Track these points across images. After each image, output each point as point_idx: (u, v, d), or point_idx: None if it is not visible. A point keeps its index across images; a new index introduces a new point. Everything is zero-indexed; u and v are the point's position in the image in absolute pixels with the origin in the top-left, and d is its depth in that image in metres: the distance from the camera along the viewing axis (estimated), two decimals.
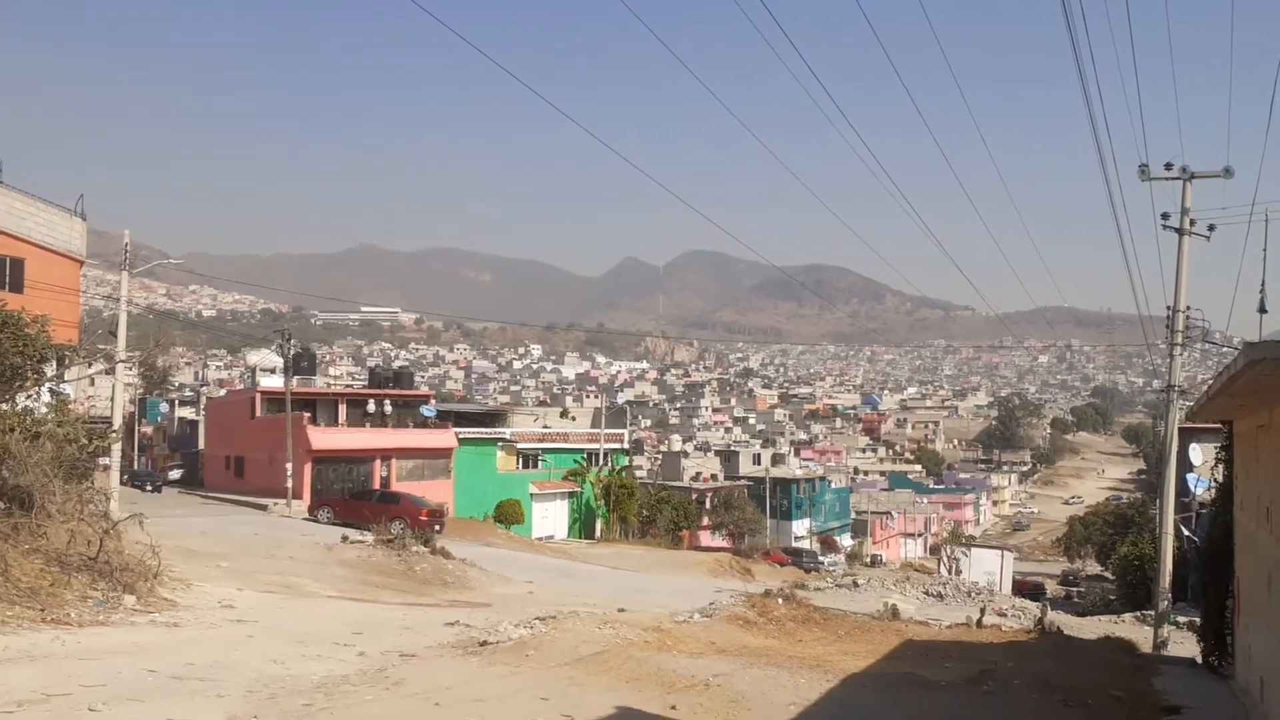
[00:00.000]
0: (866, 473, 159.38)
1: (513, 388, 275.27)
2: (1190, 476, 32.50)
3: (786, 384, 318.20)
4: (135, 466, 65.92)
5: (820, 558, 68.22)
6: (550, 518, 60.22)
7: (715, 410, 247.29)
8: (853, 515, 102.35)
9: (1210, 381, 11.64)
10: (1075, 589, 69.21)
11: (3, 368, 16.79)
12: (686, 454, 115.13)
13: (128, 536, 17.33)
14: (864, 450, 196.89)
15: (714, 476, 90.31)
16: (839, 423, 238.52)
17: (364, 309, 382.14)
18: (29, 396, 17.95)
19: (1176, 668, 19.30)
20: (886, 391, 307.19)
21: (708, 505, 77.94)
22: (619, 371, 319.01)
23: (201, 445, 67.84)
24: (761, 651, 16.99)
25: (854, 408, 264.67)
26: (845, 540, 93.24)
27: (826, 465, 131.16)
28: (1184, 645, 24.00)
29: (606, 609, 20.50)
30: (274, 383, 56.06)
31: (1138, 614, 34.40)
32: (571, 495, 62.09)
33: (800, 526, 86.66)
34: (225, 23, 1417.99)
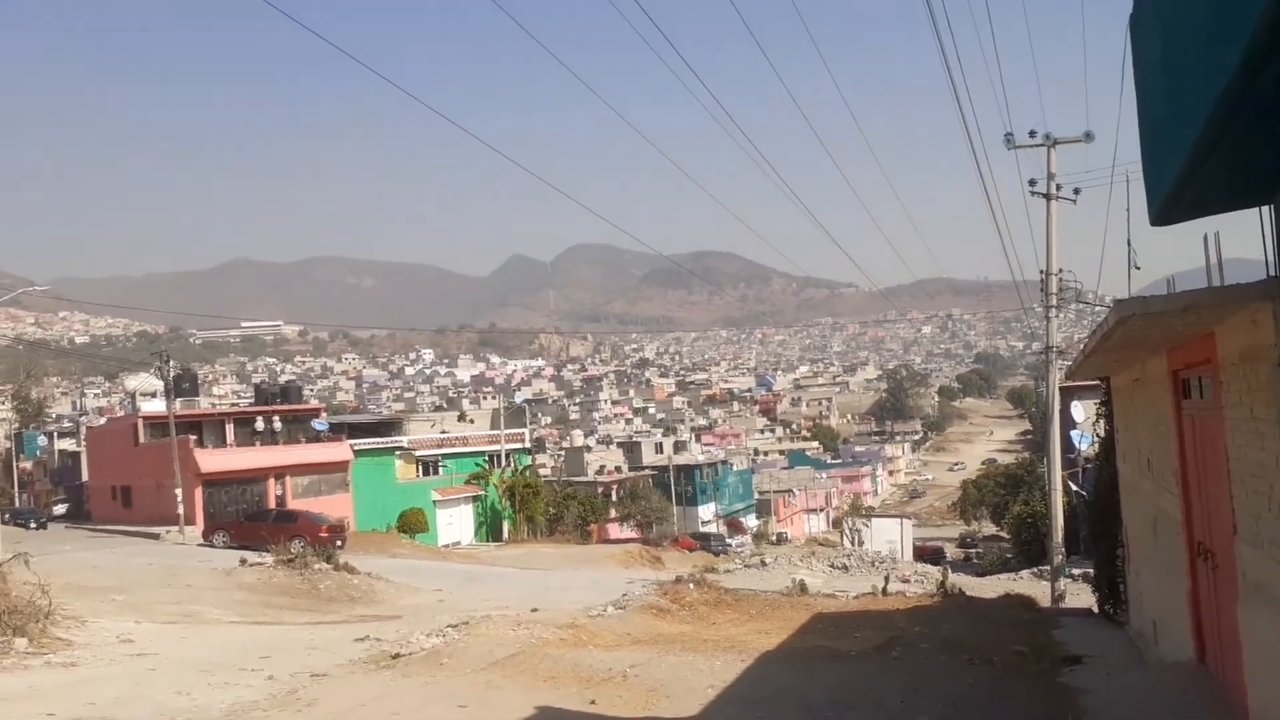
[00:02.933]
0: (766, 453, 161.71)
1: (406, 394, 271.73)
2: (1074, 433, 33.67)
3: (682, 371, 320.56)
4: (16, 504, 63.19)
5: (728, 540, 69.05)
6: (456, 524, 59.63)
7: (614, 403, 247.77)
8: (756, 496, 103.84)
9: (1086, 340, 12.09)
10: (974, 551, 71.29)
11: None
12: (589, 448, 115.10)
13: (14, 577, 16.64)
14: (762, 431, 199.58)
15: (618, 469, 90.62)
16: (736, 406, 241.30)
17: (244, 324, 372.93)
18: None
19: (1075, 619, 20.01)
20: (779, 372, 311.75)
21: (614, 498, 78.23)
22: (515, 370, 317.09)
23: (85, 477, 65.37)
24: (677, 638, 17.09)
25: (749, 390, 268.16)
26: (750, 521, 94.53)
27: (727, 449, 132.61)
28: (1080, 597, 24.93)
29: (519, 610, 20.39)
30: (156, 407, 54.32)
31: (1035, 570, 35.55)
32: (476, 499, 61.57)
33: (706, 511, 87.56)
34: (73, 34, 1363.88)
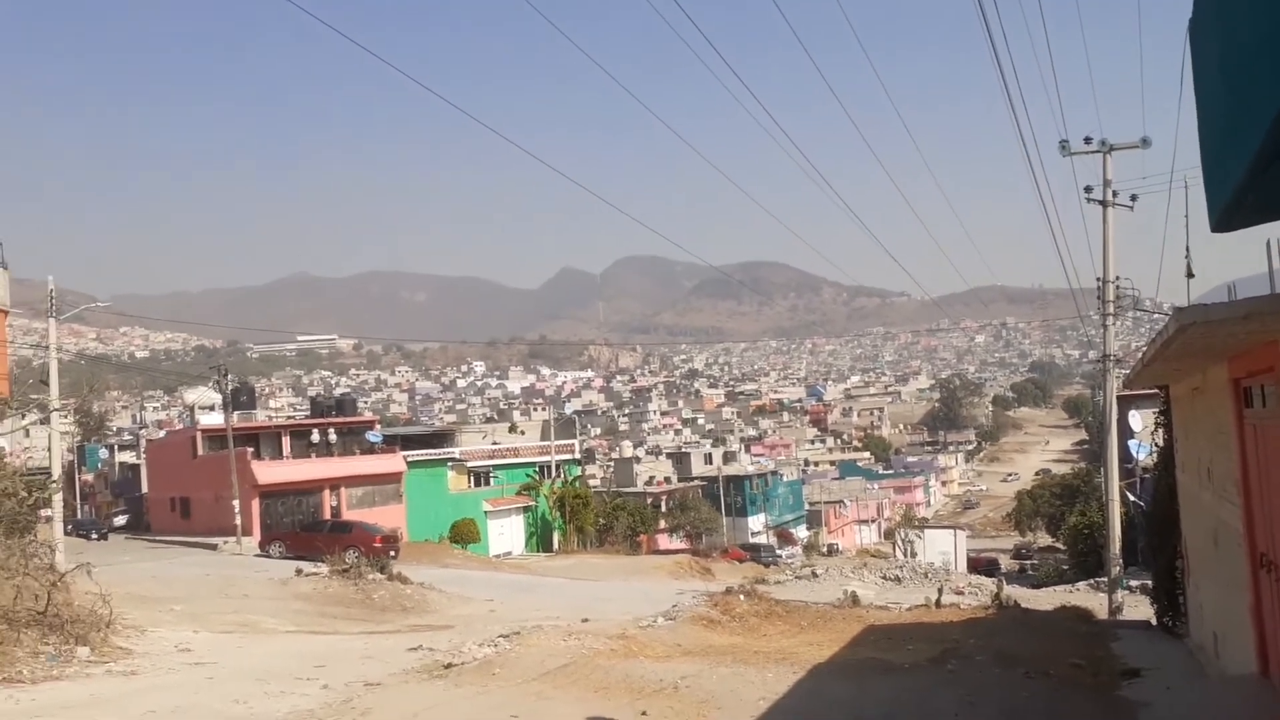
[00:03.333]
0: (817, 464, 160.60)
1: (458, 406, 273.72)
2: (1132, 443, 33.13)
3: (732, 382, 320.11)
4: (79, 515, 64.47)
5: (778, 551, 68.65)
6: (506, 534, 59.90)
7: (663, 413, 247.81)
8: (806, 507, 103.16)
9: (1144, 349, 11.91)
10: (1029, 562, 70.20)
11: None
12: (638, 459, 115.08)
13: (76, 587, 16.95)
14: (812, 442, 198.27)
15: (667, 479, 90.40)
16: (786, 416, 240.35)
17: (300, 338, 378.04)
18: None
19: (1133, 631, 19.66)
20: (830, 382, 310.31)
21: (663, 508, 78.04)
22: (564, 382, 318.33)
23: (145, 489, 66.49)
24: (727, 650, 17.04)
25: (799, 400, 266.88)
26: (801, 532, 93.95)
27: (777, 459, 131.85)
28: (1138, 609, 24.48)
29: (570, 620, 20.44)
30: (214, 420, 55.15)
31: (1091, 582, 34.97)
32: (526, 510, 61.80)
33: (756, 522, 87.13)
34: (136, 57, 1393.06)
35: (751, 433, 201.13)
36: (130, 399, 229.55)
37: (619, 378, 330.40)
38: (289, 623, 22.66)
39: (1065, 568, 52.04)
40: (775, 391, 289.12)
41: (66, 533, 37.31)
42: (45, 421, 36.06)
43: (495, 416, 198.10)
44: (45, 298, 37.56)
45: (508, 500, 61.02)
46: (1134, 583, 27.66)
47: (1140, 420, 31.48)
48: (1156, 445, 19.70)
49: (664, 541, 70.67)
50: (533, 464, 64.35)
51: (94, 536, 51.84)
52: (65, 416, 44.40)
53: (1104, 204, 25.15)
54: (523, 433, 76.59)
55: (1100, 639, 18.07)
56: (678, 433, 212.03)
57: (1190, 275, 14.54)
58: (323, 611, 24.80)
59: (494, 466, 63.42)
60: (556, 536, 59.97)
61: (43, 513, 28.22)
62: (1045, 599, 30.57)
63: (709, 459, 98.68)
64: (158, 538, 52.17)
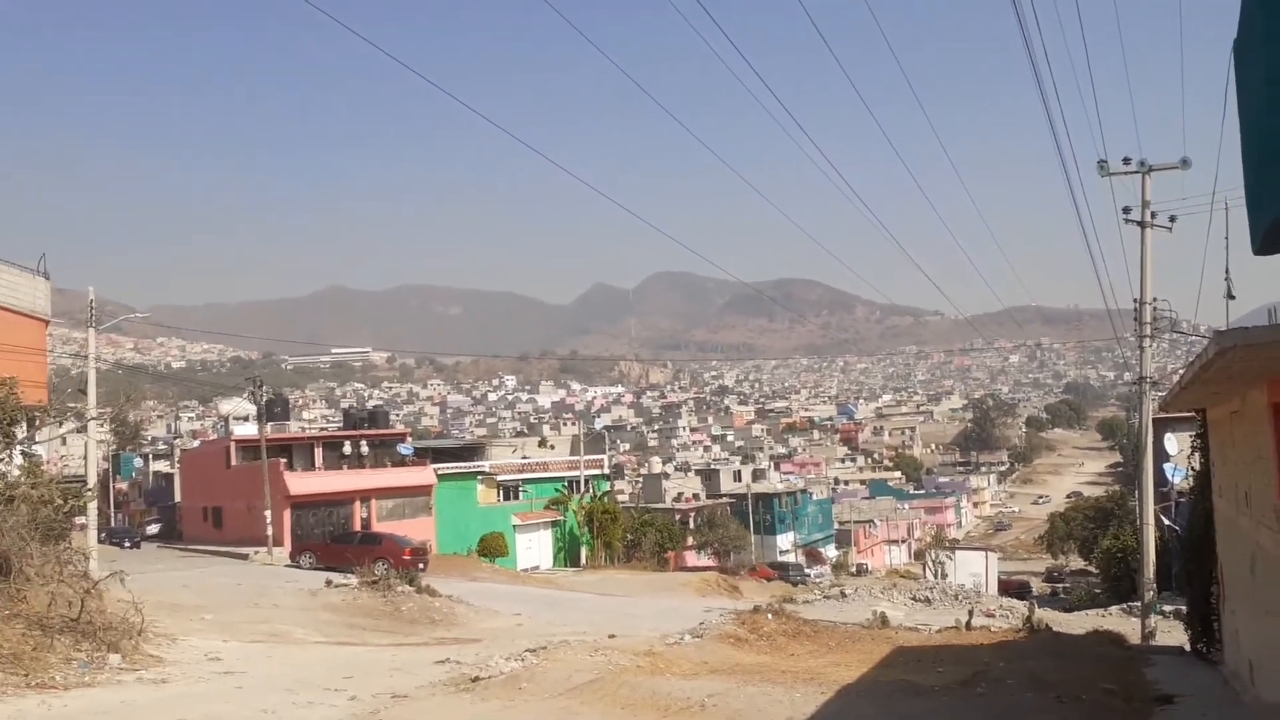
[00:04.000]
0: (847, 482, 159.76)
1: (489, 420, 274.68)
2: (1167, 466, 32.73)
3: (762, 399, 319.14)
4: (112, 523, 65.14)
5: (806, 570, 68.26)
6: (535, 548, 59.96)
7: (693, 430, 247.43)
8: (836, 526, 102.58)
9: (1181, 371, 11.79)
10: (1061, 585, 69.50)
11: None
12: (667, 475, 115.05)
13: (109, 595, 17.12)
14: (843, 460, 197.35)
15: (696, 496, 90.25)
16: (816, 435, 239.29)
17: (334, 351, 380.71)
18: (1, 460, 17.74)
19: (1166, 657, 19.41)
20: (861, 401, 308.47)
21: (691, 525, 77.88)
22: (594, 397, 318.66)
23: (178, 498, 67.15)
24: (754, 668, 16.96)
25: (830, 419, 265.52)
26: (830, 551, 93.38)
27: (807, 478, 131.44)
28: (1172, 634, 24.15)
29: (597, 636, 20.42)
30: (248, 430, 55.66)
31: (1124, 606, 34.59)
32: (555, 524, 61.86)
33: (785, 540, 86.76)
34: (169, 71, 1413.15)
35: (781, 450, 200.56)
36: (166, 409, 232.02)
37: (649, 393, 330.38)
38: (318, 633, 22.78)
39: (1098, 591, 51.51)
40: (806, 409, 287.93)
41: (100, 541, 37.73)
42: (82, 430, 36.51)
43: (525, 431, 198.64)
44: (85, 308, 38.13)
45: (536, 515, 61.11)
46: (1168, 608, 27.31)
47: (1176, 443, 31.10)
48: (1193, 469, 19.48)
49: (691, 558, 70.49)
50: (562, 479, 64.43)
51: (127, 545, 52.40)
52: (102, 425, 44.94)
53: (1142, 225, 24.94)
54: (552, 447, 76.70)
55: (1133, 664, 17.85)
56: (707, 449, 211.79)
57: (1230, 297, 14.40)
58: (351, 623, 24.91)
59: (523, 481, 63.56)
60: (584, 551, 59.98)
61: (77, 520, 28.58)
62: (1077, 623, 30.24)
63: (738, 476, 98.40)
64: (190, 547, 52.62)
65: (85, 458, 37.00)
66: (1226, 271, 15.01)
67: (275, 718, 12.19)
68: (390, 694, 13.87)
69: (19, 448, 18.84)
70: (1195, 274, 24.89)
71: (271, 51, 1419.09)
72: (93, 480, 34.34)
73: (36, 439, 22.45)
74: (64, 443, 57.30)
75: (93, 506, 32.24)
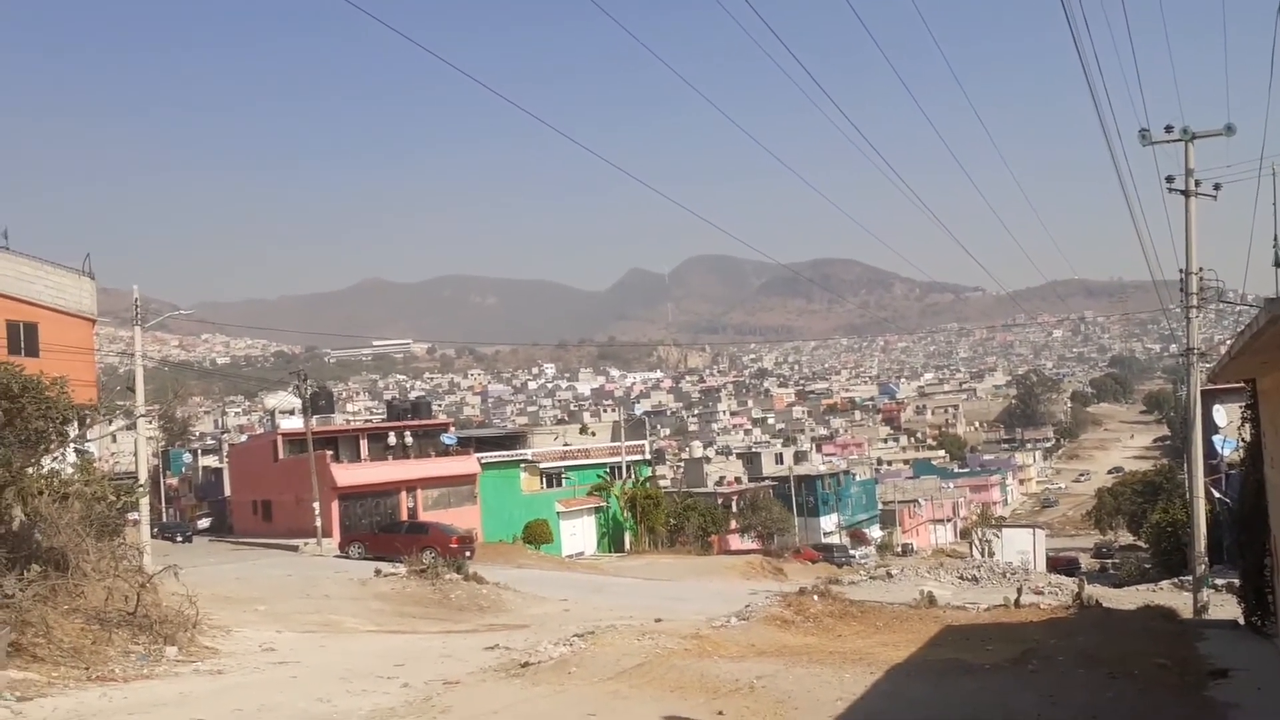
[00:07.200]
0: (890, 463, 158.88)
1: (530, 408, 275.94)
2: (1216, 438, 32.29)
3: (802, 381, 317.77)
4: (164, 518, 66.13)
5: (851, 551, 68.14)
6: (579, 534, 60.24)
7: (733, 413, 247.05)
8: (880, 506, 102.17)
9: (1229, 341, 11.61)
10: (1110, 561, 68.83)
11: (27, 432, 16.90)
12: (709, 459, 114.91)
13: (164, 588, 17.43)
14: (885, 440, 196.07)
15: (738, 479, 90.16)
16: (858, 415, 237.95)
17: (376, 343, 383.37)
18: (54, 459, 18.07)
19: (1220, 631, 19.19)
20: (903, 380, 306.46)
21: (734, 509, 77.87)
22: (634, 383, 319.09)
23: (228, 492, 68.10)
24: (802, 650, 16.96)
25: (872, 399, 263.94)
26: (874, 532, 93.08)
27: (849, 459, 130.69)
28: (1224, 608, 23.84)
29: (644, 620, 20.50)
30: (294, 424, 56.26)
31: (1175, 580, 34.19)
32: (598, 510, 62.09)
33: (828, 522, 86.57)
34: (202, 63, 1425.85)
35: (823, 432, 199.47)
36: (212, 404, 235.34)
37: (688, 378, 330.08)
38: (369, 622, 23.06)
39: (1147, 566, 50.97)
40: (847, 390, 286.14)
41: (153, 535, 38.35)
42: (131, 427, 37.12)
43: (566, 418, 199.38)
44: (129, 306, 38.67)
45: (579, 501, 61.37)
46: (1220, 581, 26.93)
47: (1225, 415, 30.70)
48: (1243, 440, 19.20)
49: (735, 542, 70.52)
50: (603, 465, 64.62)
51: (179, 539, 53.20)
52: (150, 422, 45.62)
53: (1186, 194, 24.52)
54: (593, 434, 76.90)
55: (1185, 639, 17.66)
56: (748, 432, 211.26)
57: (1276, 265, 14.15)
58: (401, 611, 25.18)
59: (565, 468, 63.85)
60: (628, 537, 60.18)
61: (130, 516, 29.05)
62: (1127, 598, 29.94)
63: (780, 459, 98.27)
64: (240, 540, 53.38)
65: (136, 454, 37.58)
66: (1275, 238, 14.74)
67: (330, 706, 12.37)
68: (442, 680, 14.02)
69: (72, 446, 19.18)
70: (1242, 242, 24.51)
71: (308, 50, 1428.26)
72: (144, 476, 34.89)
73: (88, 437, 22.84)
74: (114, 440, 58.16)
75: (145, 502, 32.73)
